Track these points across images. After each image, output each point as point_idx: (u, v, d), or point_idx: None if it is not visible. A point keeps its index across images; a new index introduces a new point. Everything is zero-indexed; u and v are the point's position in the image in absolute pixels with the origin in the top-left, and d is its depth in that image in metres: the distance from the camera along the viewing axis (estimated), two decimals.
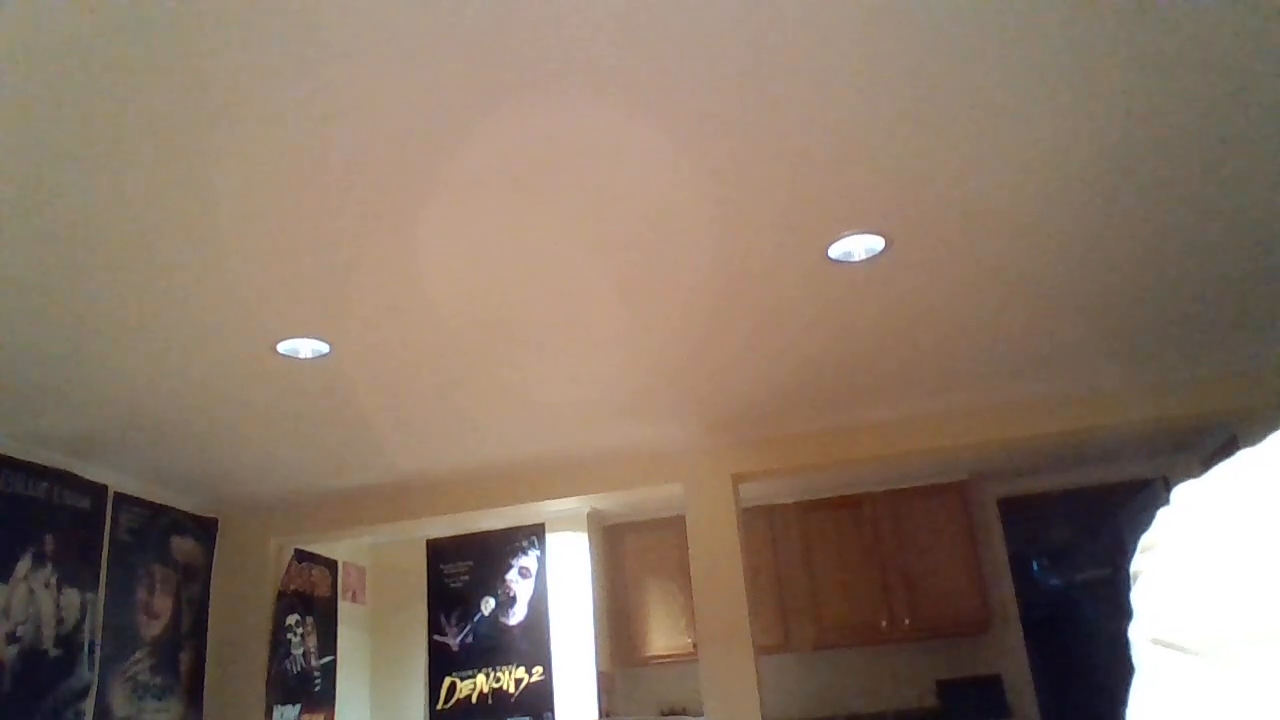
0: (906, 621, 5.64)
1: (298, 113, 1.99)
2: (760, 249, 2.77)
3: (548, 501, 5.02)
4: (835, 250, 2.80)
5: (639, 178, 2.35)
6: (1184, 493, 0.51)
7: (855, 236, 2.73)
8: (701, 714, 4.54)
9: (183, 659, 4.64)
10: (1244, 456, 0.49)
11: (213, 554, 4.97)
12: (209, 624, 4.86)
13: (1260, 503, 0.46)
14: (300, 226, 2.43)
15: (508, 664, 5.62)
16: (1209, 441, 5.37)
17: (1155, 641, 0.47)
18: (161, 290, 2.69)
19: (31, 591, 3.75)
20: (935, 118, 2.20)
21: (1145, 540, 0.52)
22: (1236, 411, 4.40)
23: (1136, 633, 0.50)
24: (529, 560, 5.75)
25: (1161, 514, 0.52)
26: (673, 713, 5.85)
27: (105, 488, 4.23)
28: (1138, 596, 0.51)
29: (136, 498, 4.43)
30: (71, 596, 3.95)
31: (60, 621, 3.87)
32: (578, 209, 2.47)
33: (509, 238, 2.59)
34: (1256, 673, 0.42)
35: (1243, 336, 3.86)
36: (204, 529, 4.92)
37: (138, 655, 4.33)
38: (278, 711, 4.90)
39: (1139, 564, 0.52)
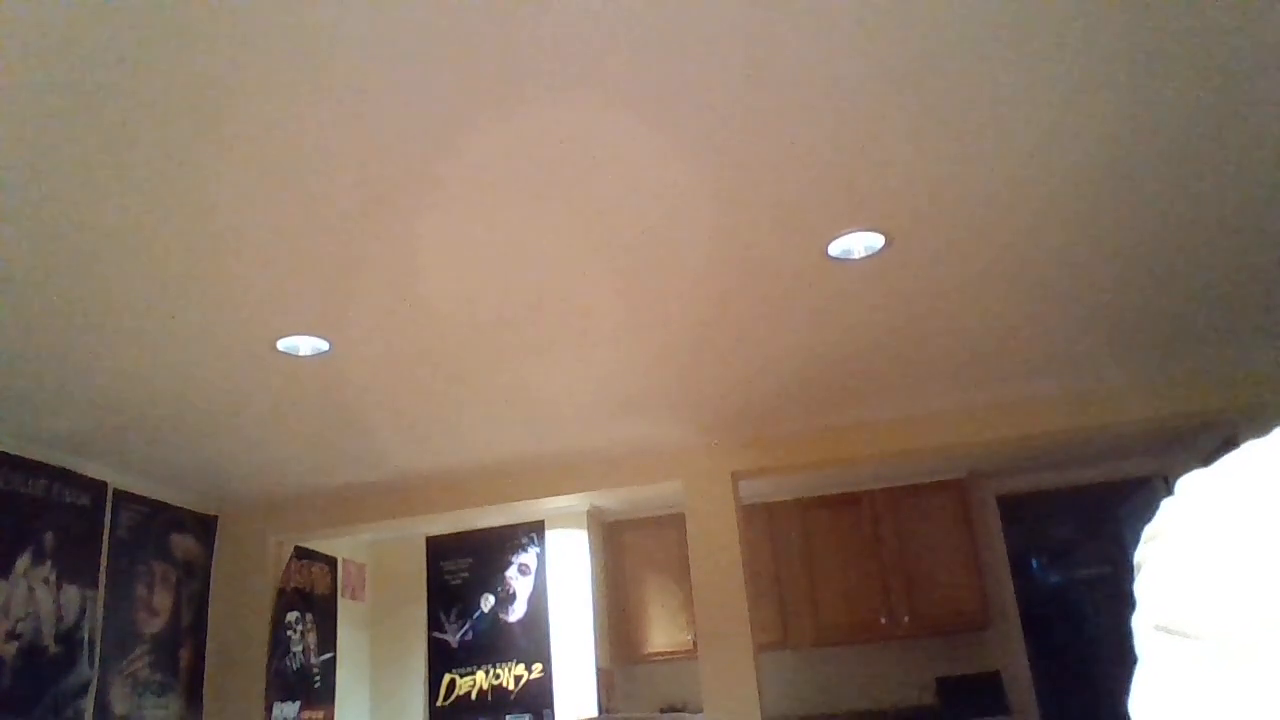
0: (906, 619, 5.64)
1: (298, 112, 1.99)
2: (760, 247, 2.76)
3: (547, 499, 5.02)
4: (835, 248, 2.80)
5: (639, 176, 2.35)
6: (1188, 483, 0.51)
7: (855, 234, 2.73)
8: (701, 711, 4.55)
9: (182, 656, 4.64)
10: (1249, 447, 0.49)
11: (212, 551, 4.97)
12: (209, 621, 4.86)
13: (1263, 493, 0.46)
14: (300, 225, 2.42)
15: (507, 661, 5.62)
16: (1209, 441, 5.37)
17: (1158, 628, 0.47)
18: (161, 288, 2.69)
19: (31, 589, 3.75)
20: (935, 116, 2.20)
21: (1149, 530, 0.52)
22: (1236, 411, 4.40)
23: (1140, 621, 0.50)
24: (529, 557, 5.75)
25: (1165, 504, 0.52)
26: (672, 710, 5.86)
27: (105, 485, 4.23)
28: (1141, 585, 0.51)
29: (136, 495, 4.43)
30: (71, 594, 3.95)
31: (60, 619, 3.88)
32: (577, 207, 2.47)
33: (509, 236, 2.59)
34: (1258, 658, 0.42)
35: (1243, 336, 3.86)
36: (204, 526, 4.92)
37: (137, 652, 4.33)
38: (277, 708, 4.90)
39: (1143, 553, 0.52)
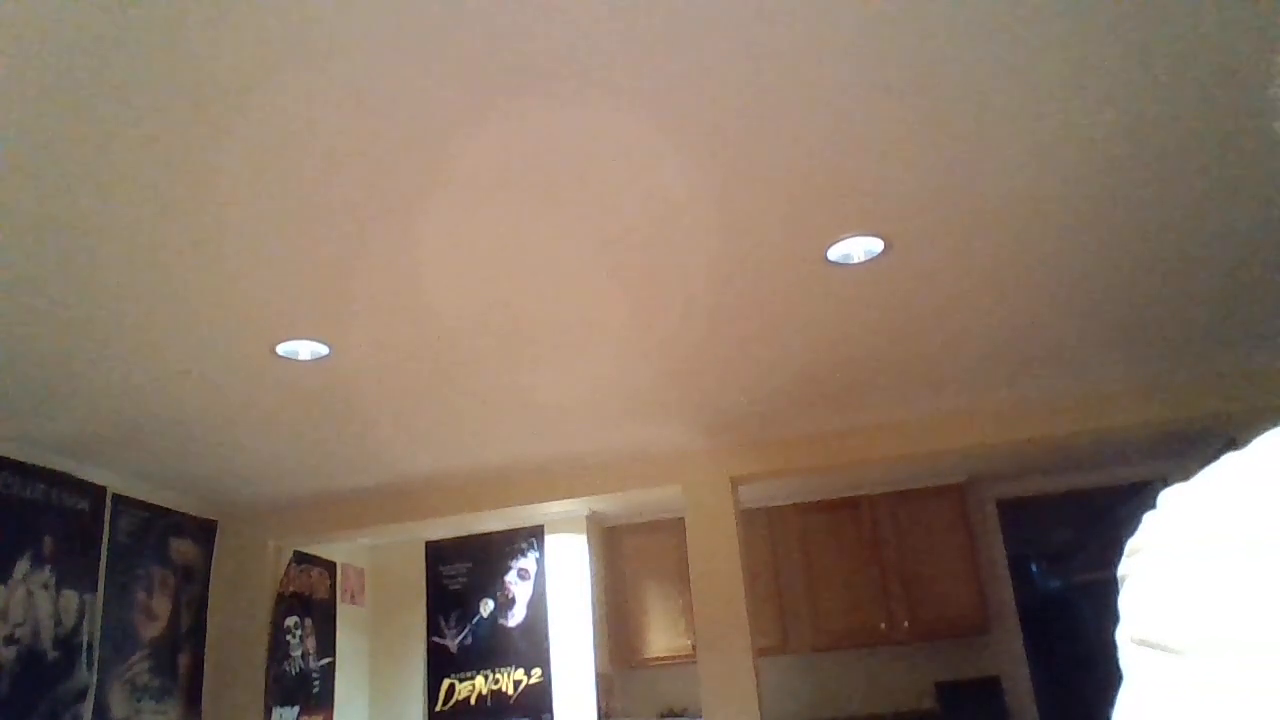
0: (905, 623, 5.64)
1: (298, 113, 1.99)
2: (760, 251, 2.77)
3: (547, 503, 5.02)
4: (834, 252, 2.80)
5: (639, 178, 2.35)
6: (1170, 496, 0.51)
7: (854, 238, 2.74)
8: (700, 716, 4.54)
9: (181, 661, 4.64)
10: (1230, 459, 0.49)
11: (212, 556, 4.96)
12: (208, 626, 4.85)
13: (1245, 505, 0.46)
14: (300, 228, 2.43)
15: (507, 666, 5.61)
16: (1209, 443, 5.37)
17: (1140, 642, 0.47)
18: (161, 292, 2.69)
19: (30, 593, 3.74)
20: (935, 121, 2.20)
21: (1131, 544, 0.52)
22: (1236, 413, 4.40)
23: (1123, 635, 0.50)
24: (528, 562, 5.75)
25: (1147, 517, 0.52)
26: (672, 714, 5.85)
27: (104, 489, 4.23)
28: (1124, 600, 0.51)
29: (135, 499, 4.42)
30: (70, 598, 3.95)
31: (59, 623, 3.87)
32: (577, 209, 2.47)
33: (509, 238, 2.59)
34: (1240, 673, 0.42)
35: (1242, 337, 3.86)
36: (203, 531, 4.92)
37: (136, 657, 4.32)
38: (276, 713, 4.90)
39: (1125, 567, 0.52)
